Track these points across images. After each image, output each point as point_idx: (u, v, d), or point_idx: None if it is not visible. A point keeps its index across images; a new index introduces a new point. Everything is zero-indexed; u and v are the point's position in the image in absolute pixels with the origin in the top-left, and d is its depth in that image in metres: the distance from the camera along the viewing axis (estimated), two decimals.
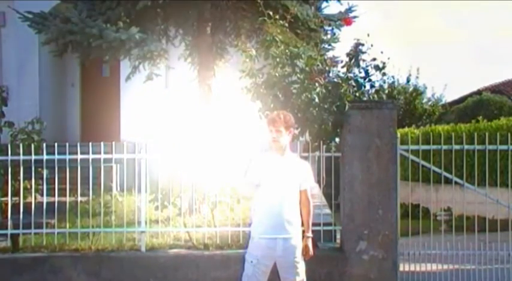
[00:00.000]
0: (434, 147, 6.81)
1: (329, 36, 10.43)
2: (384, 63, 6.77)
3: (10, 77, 12.98)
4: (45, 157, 6.71)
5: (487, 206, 6.80)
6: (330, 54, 9.90)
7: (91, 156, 6.68)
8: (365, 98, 6.99)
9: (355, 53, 6.77)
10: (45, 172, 6.83)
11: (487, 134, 6.83)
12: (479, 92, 21.40)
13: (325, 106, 6.41)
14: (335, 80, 6.69)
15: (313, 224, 5.26)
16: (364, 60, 6.78)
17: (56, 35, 8.93)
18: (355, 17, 9.95)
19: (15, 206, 6.68)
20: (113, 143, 6.65)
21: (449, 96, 24.83)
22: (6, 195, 6.71)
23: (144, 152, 6.69)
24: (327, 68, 6.74)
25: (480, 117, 15.59)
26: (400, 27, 55.49)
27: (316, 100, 6.34)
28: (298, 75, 6.47)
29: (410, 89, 23.99)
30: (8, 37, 13.14)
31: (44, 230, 6.69)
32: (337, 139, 6.85)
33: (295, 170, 5.00)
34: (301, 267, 4.96)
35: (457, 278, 6.65)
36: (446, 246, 6.66)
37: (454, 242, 6.67)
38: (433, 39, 54.26)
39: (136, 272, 6.42)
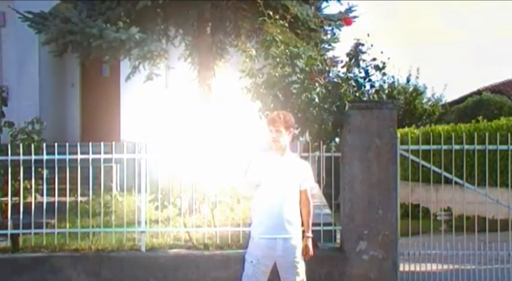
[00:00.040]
0: (434, 147, 6.81)
1: (329, 36, 10.42)
2: (383, 63, 6.77)
3: (10, 77, 12.99)
4: (45, 157, 6.71)
5: (487, 206, 6.80)
6: (330, 54, 9.91)
7: (91, 156, 6.68)
8: (365, 98, 7.00)
9: (355, 53, 6.77)
10: (45, 172, 6.84)
11: (487, 134, 6.83)
12: (479, 92, 21.40)
13: (325, 106, 6.41)
14: (335, 80, 6.69)
15: (313, 224, 5.26)
16: (364, 60, 6.78)
17: (56, 35, 8.93)
18: (355, 17, 9.95)
19: (15, 206, 6.68)
20: (113, 143, 6.65)
21: (449, 96, 24.88)
22: (6, 195, 6.71)
23: (144, 152, 6.69)
24: (327, 68, 6.74)
25: (480, 117, 15.59)
26: (400, 27, 55.52)
27: (316, 100, 6.34)
28: (298, 75, 6.47)
29: (410, 89, 23.99)
30: (8, 37, 13.14)
31: (44, 230, 6.69)
32: (337, 139, 6.85)
33: (295, 170, 5.00)
34: (301, 267, 4.96)
35: (457, 278, 6.65)
36: (446, 246, 6.66)
37: (454, 242, 6.67)
38: (433, 39, 54.29)
39: (136, 272, 6.42)
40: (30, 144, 7.22)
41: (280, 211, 4.85)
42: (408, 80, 24.37)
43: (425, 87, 24.37)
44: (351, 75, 6.80)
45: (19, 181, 6.75)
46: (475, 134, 6.82)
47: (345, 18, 9.63)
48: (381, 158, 6.46)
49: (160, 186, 6.66)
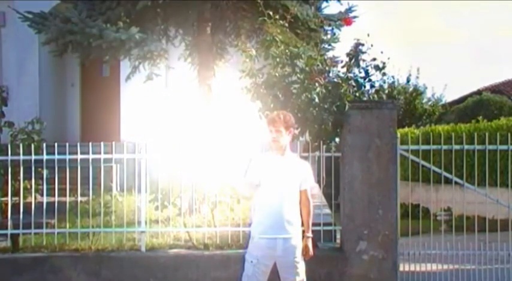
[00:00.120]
0: (434, 147, 6.81)
1: (329, 36, 10.42)
2: (383, 63, 6.77)
3: (10, 77, 12.99)
4: (45, 157, 6.71)
5: (487, 206, 6.80)
6: (330, 54, 9.90)
7: (91, 156, 6.68)
8: (365, 98, 7.00)
9: (355, 53, 6.77)
10: (45, 172, 6.84)
11: (487, 134, 6.83)
12: (479, 92, 21.40)
13: (325, 106, 6.41)
14: (335, 80, 6.69)
15: (313, 224, 5.27)
16: (364, 60, 6.78)
17: (56, 35, 8.93)
18: (355, 17, 9.95)
19: (15, 206, 6.68)
20: (113, 143, 6.65)
21: (449, 96, 24.90)
22: (6, 195, 6.71)
23: (144, 152, 6.69)
24: (327, 68, 6.74)
25: (480, 117, 15.59)
26: (400, 27, 55.49)
27: (316, 100, 6.34)
28: (298, 75, 6.47)
29: (410, 89, 24.01)
30: (8, 37, 13.14)
31: (44, 230, 6.69)
32: (337, 139, 6.85)
33: (295, 170, 5.00)
34: (301, 267, 4.96)
35: (457, 278, 6.65)
36: (446, 246, 6.66)
37: (454, 242, 6.67)
38: (433, 39, 54.26)
39: (137, 272, 6.42)
40: (30, 144, 7.23)
41: (280, 211, 4.86)
42: (408, 80, 24.40)
43: (425, 87, 24.43)
44: (351, 75, 6.81)
45: (19, 181, 6.75)
46: (475, 134, 6.83)
47: (345, 18, 9.63)
48: (381, 158, 6.46)
49: (160, 186, 6.66)
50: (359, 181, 6.47)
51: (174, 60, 10.17)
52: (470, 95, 21.72)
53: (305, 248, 5.01)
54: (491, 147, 6.72)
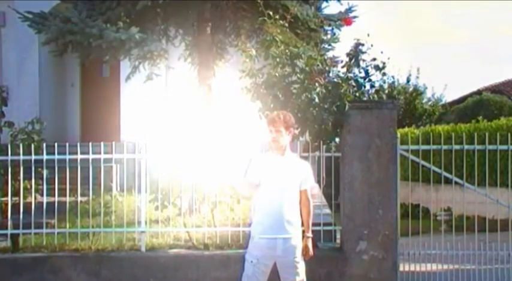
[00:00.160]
0: (434, 147, 6.81)
1: (329, 36, 10.42)
2: (383, 63, 6.77)
3: (10, 77, 13.00)
4: (45, 157, 6.71)
5: (487, 206, 6.80)
6: (330, 54, 9.90)
7: (91, 156, 6.68)
8: (365, 98, 7.00)
9: (355, 53, 6.77)
10: (45, 172, 6.84)
11: (487, 134, 6.83)
12: (479, 92, 21.40)
13: (325, 106, 6.41)
14: (335, 80, 6.69)
15: (313, 224, 5.27)
16: (364, 60, 6.78)
17: (56, 35, 8.93)
18: (355, 17, 9.95)
19: (15, 206, 6.68)
20: (113, 143, 6.65)
21: (449, 96, 24.92)
22: (6, 195, 6.71)
23: (144, 152, 6.69)
24: (327, 68, 6.73)
25: (480, 117, 15.60)
26: (400, 27, 55.50)
27: (316, 100, 6.34)
28: (298, 75, 6.47)
29: (410, 89, 24.02)
30: (8, 37, 13.14)
31: (44, 230, 6.69)
32: (337, 139, 6.85)
33: (296, 170, 5.00)
34: (301, 267, 4.96)
35: (457, 278, 6.65)
36: (446, 246, 6.66)
37: (454, 242, 6.67)
38: (433, 39, 54.27)
39: (136, 272, 6.42)
40: (30, 144, 7.23)
41: (280, 211, 4.86)
42: (408, 80, 24.42)
43: (425, 87, 24.46)
44: (351, 75, 6.80)
45: (19, 181, 6.75)
46: (475, 134, 6.82)
47: (345, 18, 9.62)
48: (381, 158, 6.46)
49: (160, 186, 6.66)
50: (359, 181, 6.47)
51: (174, 60, 10.17)
52: (470, 95, 21.73)
53: (305, 248, 5.01)
54: (491, 147, 6.72)
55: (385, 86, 19.15)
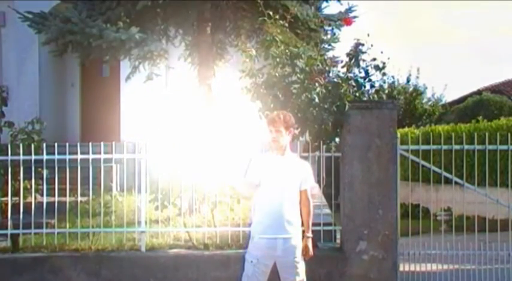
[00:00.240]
0: (434, 147, 6.81)
1: (329, 36, 10.42)
2: (383, 63, 6.77)
3: (10, 77, 13.00)
4: (45, 157, 6.71)
5: (487, 206, 6.80)
6: (330, 54, 9.90)
7: (91, 156, 6.68)
8: (365, 98, 7.00)
9: (355, 53, 6.77)
10: (45, 172, 6.84)
11: (487, 134, 6.83)
12: (479, 92, 21.40)
13: (325, 106, 6.41)
14: (335, 80, 6.69)
15: (313, 224, 5.27)
16: (364, 60, 6.78)
17: (56, 35, 8.93)
18: (355, 17, 9.95)
19: (15, 206, 6.68)
20: (113, 143, 6.65)
21: (449, 96, 24.91)
22: (6, 195, 6.71)
23: (144, 152, 6.69)
24: (327, 68, 6.73)
25: (480, 117, 15.60)
26: (400, 27, 55.48)
27: (316, 100, 6.34)
28: (298, 75, 6.47)
29: (410, 89, 24.02)
30: (8, 37, 13.14)
31: (44, 230, 6.69)
32: (337, 139, 6.85)
33: (296, 170, 5.00)
34: (301, 267, 4.96)
35: (457, 278, 6.65)
36: (446, 246, 6.66)
37: (454, 242, 6.67)
38: (433, 39, 54.26)
39: (136, 272, 6.42)
40: (30, 144, 7.22)
41: (280, 211, 4.86)
42: (408, 80, 24.42)
43: (425, 87, 24.45)
44: (351, 75, 6.80)
45: (19, 181, 6.75)
46: (475, 134, 6.83)
47: (345, 18, 9.62)
48: (381, 158, 6.46)
49: (160, 186, 6.66)
50: (359, 181, 6.47)
51: (174, 60, 10.17)
52: (470, 95, 21.73)
53: (305, 248, 5.01)
54: (491, 147, 6.72)
55: (385, 86, 19.15)
